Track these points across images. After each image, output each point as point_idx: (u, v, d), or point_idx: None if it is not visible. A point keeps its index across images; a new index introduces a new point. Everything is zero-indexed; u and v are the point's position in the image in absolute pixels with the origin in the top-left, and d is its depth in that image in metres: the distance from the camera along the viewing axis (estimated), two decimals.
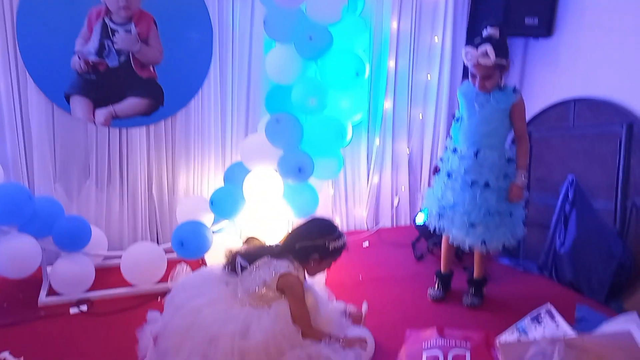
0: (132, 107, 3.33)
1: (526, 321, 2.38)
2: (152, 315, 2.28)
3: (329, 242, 2.22)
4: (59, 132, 3.23)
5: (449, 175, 2.74)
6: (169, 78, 3.35)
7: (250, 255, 2.27)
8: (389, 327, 2.61)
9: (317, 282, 2.68)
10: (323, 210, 3.84)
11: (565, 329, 2.27)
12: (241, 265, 2.24)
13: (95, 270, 2.94)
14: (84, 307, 2.70)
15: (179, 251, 2.90)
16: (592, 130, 3.46)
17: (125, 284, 2.90)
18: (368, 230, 3.96)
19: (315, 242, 2.21)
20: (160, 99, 3.36)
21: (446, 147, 2.85)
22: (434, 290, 2.98)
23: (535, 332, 2.31)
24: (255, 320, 2.05)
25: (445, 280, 3.01)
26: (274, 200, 3.05)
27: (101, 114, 3.27)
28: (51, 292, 2.80)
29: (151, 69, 3.33)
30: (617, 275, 3.15)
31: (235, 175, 3.15)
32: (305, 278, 2.26)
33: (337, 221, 3.93)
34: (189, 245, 2.87)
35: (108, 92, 3.28)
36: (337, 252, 2.26)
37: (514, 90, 2.65)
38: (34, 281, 2.88)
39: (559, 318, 2.34)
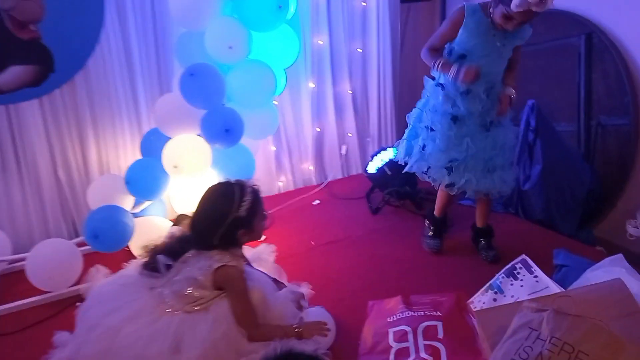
0: (16, 78, 2.74)
1: (500, 277, 2.10)
2: (60, 337, 1.85)
3: (237, 209, 1.79)
4: None
5: (454, 120, 2.31)
6: (57, 36, 2.75)
7: (174, 250, 1.85)
8: (350, 299, 2.31)
9: (266, 261, 2.31)
10: (266, 172, 3.43)
11: (545, 281, 2.01)
12: (165, 264, 1.82)
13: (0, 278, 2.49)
14: None
15: (94, 244, 2.45)
16: (549, 45, 3.14)
17: (36, 291, 2.44)
18: (317, 185, 3.58)
19: (227, 223, 1.79)
20: (49, 63, 2.77)
21: (441, 89, 2.34)
22: (430, 239, 2.66)
23: (512, 288, 2.04)
24: (188, 330, 1.67)
25: (441, 225, 2.69)
26: (203, 170, 2.61)
27: None
28: None
29: (32, 27, 2.73)
30: (587, 203, 2.93)
31: (152, 145, 2.67)
32: (245, 264, 1.87)
33: (283, 180, 3.54)
34: (105, 236, 2.42)
35: None
36: (255, 209, 1.84)
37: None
38: None
39: (536, 269, 2.07)
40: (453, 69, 2.20)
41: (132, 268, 1.96)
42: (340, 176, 3.70)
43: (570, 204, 2.89)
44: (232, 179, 1.89)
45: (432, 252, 2.63)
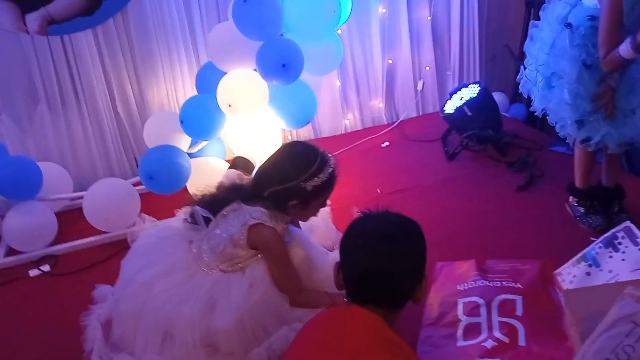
0: (68, 6, 2.60)
1: (597, 246, 1.77)
2: (101, 291, 1.79)
3: (305, 181, 1.58)
4: None
5: (586, 67, 1.90)
6: None
7: (215, 202, 1.68)
8: None
9: (321, 218, 2.09)
10: (330, 108, 3.17)
11: None
12: (204, 217, 1.66)
13: (62, 215, 2.50)
14: (46, 267, 2.26)
15: (149, 185, 2.35)
16: None
17: (94, 230, 2.42)
18: (388, 125, 3.26)
19: (287, 185, 1.58)
20: None
21: (569, 30, 1.92)
22: (586, 217, 2.16)
23: (611, 261, 1.71)
24: (222, 292, 1.52)
25: (595, 195, 2.19)
26: (259, 109, 2.39)
27: (33, 19, 2.58)
28: (12, 250, 2.36)
29: None
30: None
31: (208, 80, 2.48)
32: (287, 224, 1.68)
33: (350, 118, 3.26)
34: (159, 177, 2.31)
35: None
36: (321, 190, 1.63)
37: None
38: None
39: None
40: (629, 42, 1.76)
41: (177, 218, 1.83)
42: (414, 115, 3.36)
43: None
44: (320, 149, 1.66)
45: (595, 232, 2.10)
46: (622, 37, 1.79)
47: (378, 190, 2.58)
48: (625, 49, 1.77)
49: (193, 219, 1.70)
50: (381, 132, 3.18)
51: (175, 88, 2.88)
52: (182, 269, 1.59)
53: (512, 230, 2.18)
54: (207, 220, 1.66)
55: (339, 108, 3.21)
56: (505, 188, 2.48)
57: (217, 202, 1.68)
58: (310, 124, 3.16)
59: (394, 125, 3.24)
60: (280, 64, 2.24)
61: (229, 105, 2.32)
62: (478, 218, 2.29)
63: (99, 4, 2.62)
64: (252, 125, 2.48)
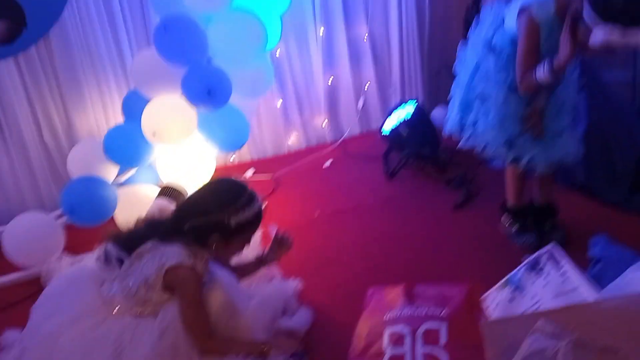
0: None
1: (522, 271, 1.75)
2: (8, 337, 1.70)
3: (229, 215, 1.50)
4: None
5: (513, 90, 1.91)
6: None
7: (131, 239, 1.60)
8: (350, 284, 2.02)
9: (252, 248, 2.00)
10: (272, 129, 3.12)
11: (574, 280, 1.63)
12: (117, 257, 1.58)
13: None
14: None
15: (72, 218, 2.26)
16: None
17: (16, 267, 2.30)
18: (331, 143, 3.22)
19: (209, 219, 1.51)
20: (20, 18, 2.51)
21: (494, 53, 1.92)
22: (519, 236, 2.14)
23: (533, 286, 1.69)
24: (130, 340, 1.45)
25: (529, 212, 2.17)
26: (186, 137, 2.32)
27: None
28: None
29: None
30: None
31: (134, 107, 2.39)
32: (208, 262, 1.60)
33: (293, 139, 3.21)
34: (81, 210, 2.23)
35: None
36: (246, 227, 1.56)
37: None
38: None
39: (565, 262, 1.69)
40: (546, 65, 1.75)
41: (91, 257, 1.74)
42: (358, 132, 3.33)
43: (620, 168, 2.44)
44: (250, 187, 1.59)
45: (529, 250, 2.03)
46: (539, 62, 1.79)
47: (316, 213, 2.53)
48: (541, 72, 1.77)
49: (106, 258, 1.61)
50: (324, 152, 3.13)
51: (105, 114, 2.79)
52: (91, 315, 1.51)
53: (447, 252, 2.16)
54: (121, 261, 1.58)
55: (281, 128, 3.16)
56: (443, 207, 2.45)
57: (133, 239, 1.60)
58: (253, 145, 3.12)
59: (337, 143, 3.20)
60: (206, 91, 2.18)
61: (154, 135, 2.24)
62: (415, 240, 2.26)
63: (19, 31, 2.52)
64: (183, 151, 2.40)
